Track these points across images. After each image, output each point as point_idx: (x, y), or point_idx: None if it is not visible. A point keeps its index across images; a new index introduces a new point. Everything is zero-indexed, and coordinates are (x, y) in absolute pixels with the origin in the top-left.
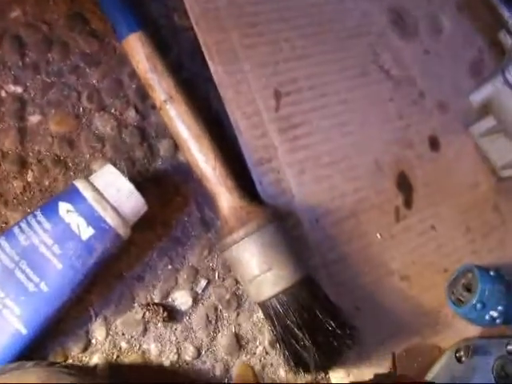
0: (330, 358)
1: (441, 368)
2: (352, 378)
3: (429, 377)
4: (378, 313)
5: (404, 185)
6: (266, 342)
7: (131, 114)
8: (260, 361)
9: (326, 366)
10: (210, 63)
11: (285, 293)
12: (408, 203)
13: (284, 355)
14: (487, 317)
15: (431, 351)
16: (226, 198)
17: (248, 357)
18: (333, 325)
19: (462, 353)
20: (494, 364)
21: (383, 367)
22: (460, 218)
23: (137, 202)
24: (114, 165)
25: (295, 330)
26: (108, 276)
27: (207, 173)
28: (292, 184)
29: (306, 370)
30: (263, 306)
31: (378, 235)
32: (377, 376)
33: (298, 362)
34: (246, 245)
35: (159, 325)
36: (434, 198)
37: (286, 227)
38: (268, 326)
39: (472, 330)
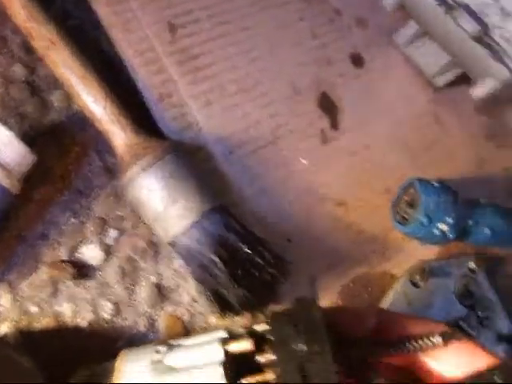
0: (259, 294)
1: (395, 295)
2: None
3: (383, 305)
4: (314, 243)
5: (327, 106)
6: (192, 290)
7: (17, 70)
8: (188, 310)
9: (254, 304)
10: (96, 6)
11: (195, 226)
12: (334, 124)
13: (207, 298)
14: (436, 231)
15: (382, 279)
16: (120, 137)
17: (174, 307)
18: (254, 257)
19: (417, 277)
20: (455, 285)
21: (325, 300)
22: (397, 134)
23: (20, 151)
24: (5, 123)
25: (212, 267)
26: (7, 238)
27: (98, 113)
28: (198, 117)
29: (233, 311)
30: (174, 245)
31: (303, 161)
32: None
33: (222, 304)
34: (143, 181)
35: (70, 283)
36: (364, 116)
37: (194, 161)
38: (185, 268)
39: (427, 253)
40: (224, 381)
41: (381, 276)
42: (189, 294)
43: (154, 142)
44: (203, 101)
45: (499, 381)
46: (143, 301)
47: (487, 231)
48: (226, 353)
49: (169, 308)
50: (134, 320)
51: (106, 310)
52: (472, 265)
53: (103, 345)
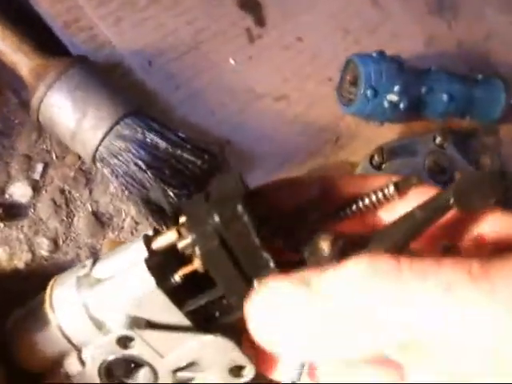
0: (193, 192)
1: None
2: None
3: None
4: (257, 142)
5: (249, 4)
6: (133, 212)
7: None
8: (132, 233)
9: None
10: None
11: (111, 135)
12: (260, 22)
13: (140, 209)
14: (386, 103)
15: (341, 168)
16: (24, 64)
17: (116, 233)
18: (182, 155)
19: (376, 158)
20: (424, 162)
21: None
22: (332, 22)
23: None
24: None
25: (137, 174)
26: None
27: None
28: (110, 35)
29: (169, 217)
30: (96, 160)
31: (231, 61)
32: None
33: (156, 211)
34: (50, 99)
35: (1, 226)
36: (291, 9)
37: (113, 76)
38: (112, 183)
39: (386, 135)
40: (150, 278)
41: (339, 166)
42: (129, 215)
43: (57, 60)
44: (113, 19)
45: (437, 141)
46: (82, 232)
47: (444, 97)
48: (151, 250)
49: (110, 234)
50: (75, 253)
51: (44, 247)
52: (439, 139)
53: (45, 284)
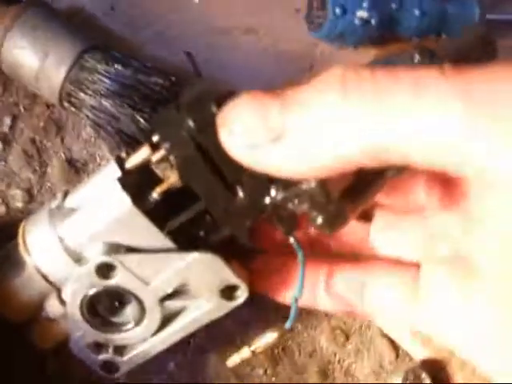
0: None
1: None
2: None
3: None
4: (229, 74)
5: None
6: (107, 155)
7: None
8: None
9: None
10: None
11: (75, 69)
12: None
13: (113, 147)
14: (357, 21)
15: None
16: None
17: None
18: (148, 79)
19: None
20: None
21: None
22: None
23: None
24: None
25: (105, 103)
26: None
27: None
28: None
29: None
30: (63, 99)
31: (195, 0)
32: None
33: (128, 143)
34: (10, 42)
35: None
36: None
37: (73, 21)
38: (91, 126)
39: (361, 59)
40: (126, 197)
41: None
42: (103, 159)
43: (14, 6)
44: None
45: (416, 60)
46: (56, 180)
47: (416, 12)
48: (125, 170)
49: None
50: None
51: (18, 199)
52: (417, 58)
53: None
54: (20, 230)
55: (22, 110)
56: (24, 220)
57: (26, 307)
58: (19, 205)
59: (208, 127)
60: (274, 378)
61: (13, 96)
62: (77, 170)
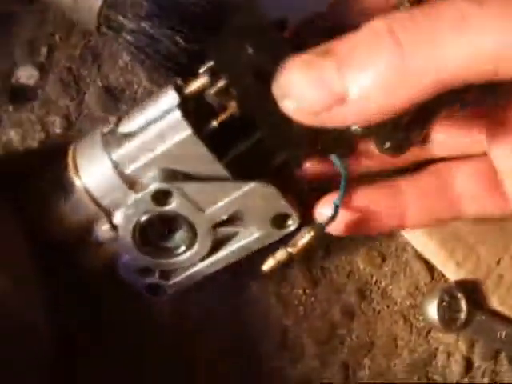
0: None
1: None
2: None
3: None
4: None
5: None
6: (145, 81)
7: None
8: None
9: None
10: None
11: None
12: None
13: (152, 73)
14: None
15: None
16: None
17: (131, 102)
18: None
19: None
20: None
21: None
22: None
23: None
24: None
25: (144, 25)
26: None
27: None
28: None
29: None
30: (101, 23)
31: None
32: None
33: (168, 68)
34: None
35: (11, 111)
36: None
37: None
38: (129, 51)
39: None
40: (185, 124)
41: None
42: (141, 86)
43: None
44: None
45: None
46: (94, 107)
47: None
48: (183, 95)
49: (124, 106)
50: (89, 128)
51: (57, 125)
52: None
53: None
54: (70, 153)
55: (58, 40)
56: (73, 143)
57: (73, 231)
58: (58, 131)
59: (267, 52)
60: (313, 298)
61: (49, 26)
62: (114, 98)
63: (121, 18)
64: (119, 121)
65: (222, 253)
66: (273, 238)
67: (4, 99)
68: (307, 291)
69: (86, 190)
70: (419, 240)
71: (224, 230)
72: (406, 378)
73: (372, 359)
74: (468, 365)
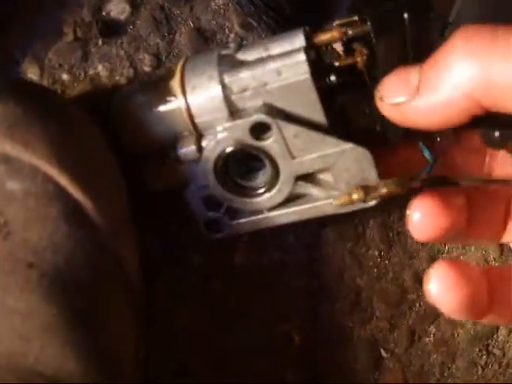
0: None
1: None
2: None
3: None
4: None
5: None
6: (237, 27)
7: None
8: None
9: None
10: None
11: None
12: None
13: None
14: None
15: None
16: None
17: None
18: None
19: None
20: None
21: None
22: None
23: None
24: None
25: None
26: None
27: None
28: None
29: (282, 19)
30: None
31: None
32: None
33: (267, 13)
34: None
35: (100, 44)
36: None
37: None
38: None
39: None
40: (306, 67)
41: None
42: (233, 31)
43: None
44: None
45: None
46: (184, 47)
47: None
48: (310, 42)
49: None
50: None
51: (146, 63)
52: None
53: None
54: (179, 65)
55: None
56: (185, 57)
57: (157, 141)
58: (147, 69)
59: (421, 28)
60: (387, 261)
61: None
62: (205, 40)
63: None
64: (239, 47)
65: (295, 208)
66: (350, 208)
67: (94, 32)
68: (382, 253)
69: (187, 104)
70: None
71: (305, 185)
72: (467, 349)
73: (437, 327)
74: None
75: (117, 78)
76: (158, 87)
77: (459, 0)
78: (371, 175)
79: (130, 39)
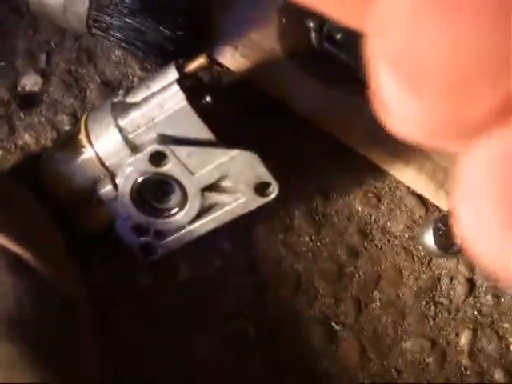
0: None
1: None
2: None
3: None
4: None
5: None
6: (138, 71)
7: None
8: None
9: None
10: None
11: None
12: None
13: (144, 61)
14: None
15: None
16: None
17: None
18: None
19: None
20: None
21: None
22: None
23: None
24: None
25: (130, 21)
26: None
27: None
28: None
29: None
30: (91, 26)
31: None
32: None
33: (158, 55)
34: None
35: (22, 115)
36: None
37: None
38: (120, 46)
39: None
40: (182, 95)
41: None
42: (135, 76)
43: None
44: None
45: None
46: (96, 101)
47: None
48: (182, 73)
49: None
50: None
51: (65, 123)
52: None
53: None
54: (82, 119)
55: (54, 45)
56: (86, 112)
57: (79, 189)
58: (68, 128)
59: None
60: (319, 243)
61: (43, 35)
62: (113, 89)
63: (107, 18)
64: (127, 92)
65: (210, 216)
66: (256, 204)
67: (14, 107)
68: (313, 237)
69: (95, 152)
70: (409, 177)
71: (211, 195)
72: (414, 304)
73: (381, 291)
74: (471, 285)
75: (43, 142)
76: (71, 143)
77: None
78: (262, 172)
79: (48, 105)
